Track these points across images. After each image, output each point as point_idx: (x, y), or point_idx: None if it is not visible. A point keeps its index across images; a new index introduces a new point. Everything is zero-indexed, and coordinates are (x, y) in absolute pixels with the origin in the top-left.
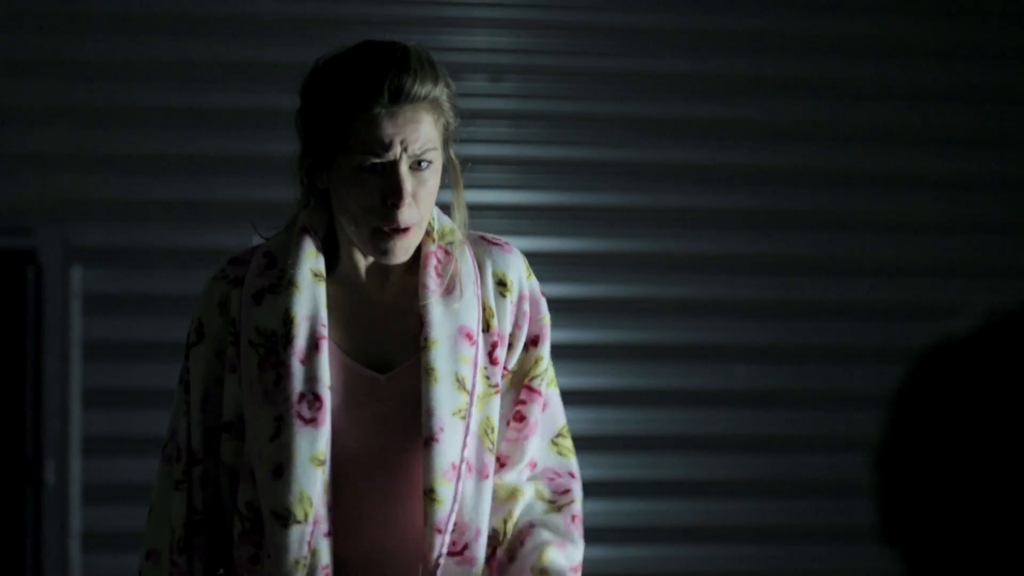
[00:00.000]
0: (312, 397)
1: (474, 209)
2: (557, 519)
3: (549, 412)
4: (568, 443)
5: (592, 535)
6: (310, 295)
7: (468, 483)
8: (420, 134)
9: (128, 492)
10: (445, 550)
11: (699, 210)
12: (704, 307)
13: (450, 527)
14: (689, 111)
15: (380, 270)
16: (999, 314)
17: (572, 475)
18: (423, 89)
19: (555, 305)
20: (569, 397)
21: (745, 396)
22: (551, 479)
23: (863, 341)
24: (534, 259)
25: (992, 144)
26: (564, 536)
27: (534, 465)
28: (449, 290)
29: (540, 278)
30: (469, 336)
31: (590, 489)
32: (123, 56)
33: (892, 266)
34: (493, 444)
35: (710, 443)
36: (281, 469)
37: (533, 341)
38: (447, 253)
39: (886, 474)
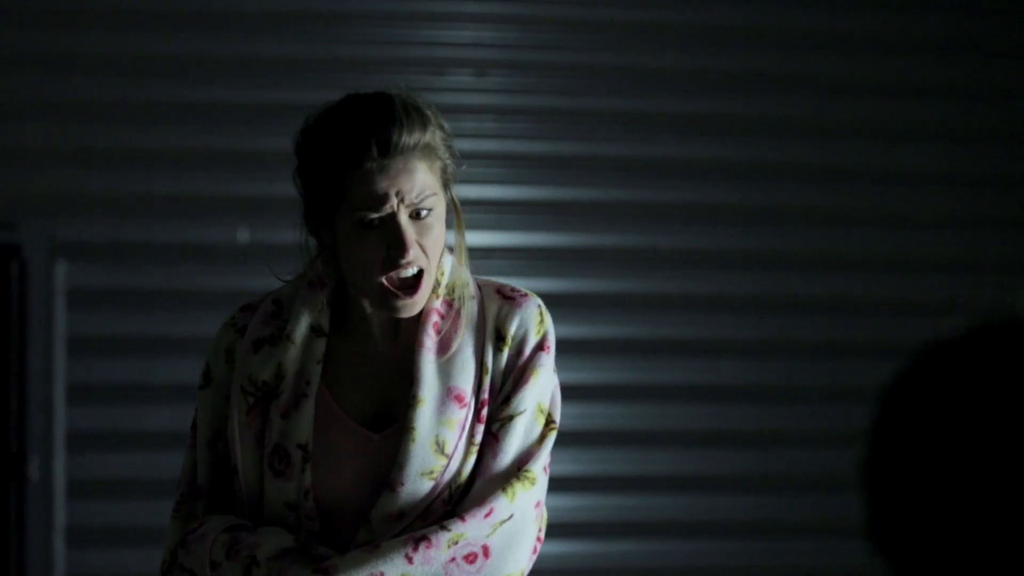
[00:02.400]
0: (283, 452)
1: (460, 205)
2: (397, 542)
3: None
4: (532, 475)
5: (580, 530)
6: (304, 351)
7: None
8: (415, 182)
9: (112, 487)
10: None
11: (686, 205)
12: (691, 302)
13: None
14: (677, 106)
15: (392, 323)
16: (990, 317)
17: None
18: (411, 138)
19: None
20: None
21: (732, 391)
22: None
23: (852, 336)
24: (519, 254)
25: (986, 140)
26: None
27: (490, 513)
28: (445, 348)
29: (525, 273)
30: (459, 398)
31: (577, 484)
32: (108, 51)
33: (882, 261)
34: (453, 498)
35: (698, 438)
36: (262, 514)
37: (513, 387)
38: (452, 308)
39: (874, 472)
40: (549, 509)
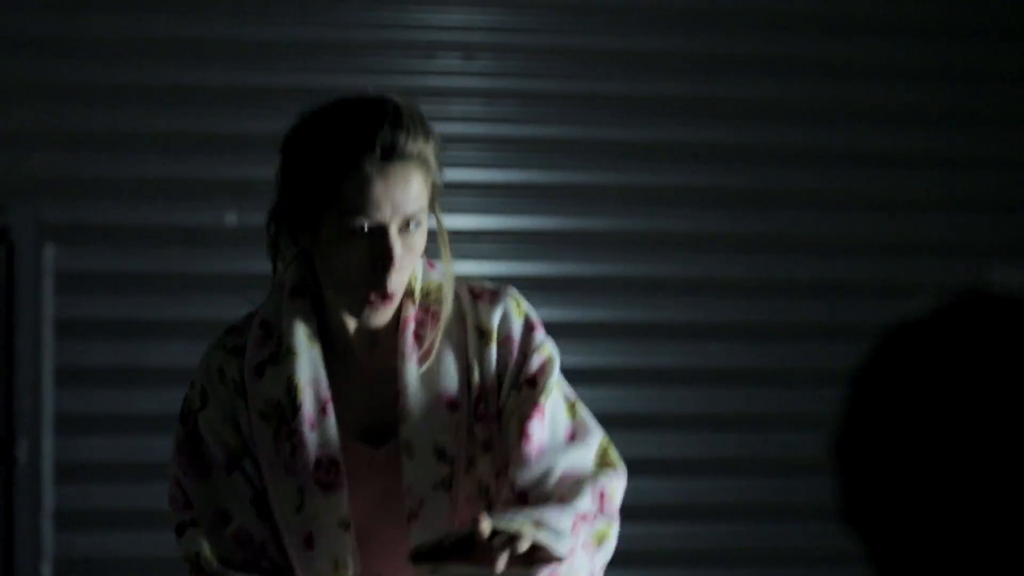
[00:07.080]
0: (328, 463)
1: (447, 188)
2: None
3: (580, 426)
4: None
5: None
6: (309, 360)
7: None
8: (411, 194)
9: (100, 470)
10: None
11: (676, 188)
12: (680, 285)
13: None
14: (667, 89)
15: (370, 334)
16: (957, 295)
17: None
18: (415, 146)
19: (527, 283)
20: None
21: (722, 374)
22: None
23: (844, 319)
24: (506, 238)
25: (979, 123)
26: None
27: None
28: (427, 355)
29: (513, 257)
30: (450, 402)
31: None
32: (97, 33)
33: (869, 244)
34: (492, 501)
35: (688, 421)
36: (311, 539)
37: (529, 381)
38: (428, 313)
39: (845, 454)
40: None
